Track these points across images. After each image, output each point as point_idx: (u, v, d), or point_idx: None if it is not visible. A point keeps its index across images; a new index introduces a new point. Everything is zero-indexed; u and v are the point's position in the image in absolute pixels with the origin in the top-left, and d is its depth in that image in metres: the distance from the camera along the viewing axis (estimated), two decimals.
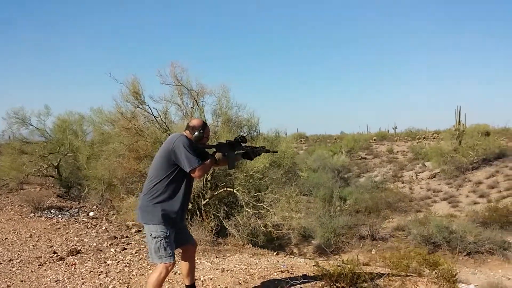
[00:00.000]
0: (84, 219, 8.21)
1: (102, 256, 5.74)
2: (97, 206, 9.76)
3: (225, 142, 3.69)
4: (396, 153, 30.65)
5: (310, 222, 11.80)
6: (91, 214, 8.75)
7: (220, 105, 8.37)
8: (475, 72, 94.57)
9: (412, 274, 4.72)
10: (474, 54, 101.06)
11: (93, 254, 5.80)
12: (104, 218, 8.41)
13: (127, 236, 6.88)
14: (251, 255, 5.80)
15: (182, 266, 3.72)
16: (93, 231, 7.19)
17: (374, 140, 35.94)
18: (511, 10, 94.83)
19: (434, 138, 35.73)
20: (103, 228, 7.43)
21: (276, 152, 4.26)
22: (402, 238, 15.62)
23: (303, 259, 5.90)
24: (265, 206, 7.27)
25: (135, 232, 7.20)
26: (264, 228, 7.24)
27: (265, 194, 7.49)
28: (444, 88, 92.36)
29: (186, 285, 3.78)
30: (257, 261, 5.34)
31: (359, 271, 4.04)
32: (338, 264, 4.41)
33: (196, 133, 3.50)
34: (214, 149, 3.65)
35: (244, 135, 3.80)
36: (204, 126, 3.57)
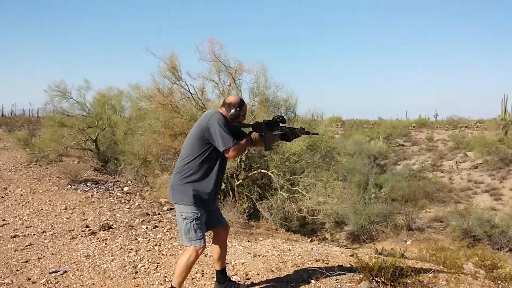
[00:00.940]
0: (118, 194, 8.25)
1: (133, 232, 5.70)
2: (131, 182, 9.81)
3: (262, 121, 3.44)
4: (436, 141, 29.51)
5: (344, 208, 11.45)
6: (125, 189, 8.79)
7: (258, 83, 8.11)
8: None
9: (463, 273, 4.36)
10: None
11: (125, 230, 5.77)
12: (137, 193, 8.43)
13: (159, 214, 6.83)
14: (284, 241, 5.59)
15: (213, 250, 3.55)
16: (126, 207, 7.20)
17: (413, 127, 34.79)
18: None
19: (477, 127, 34.23)
20: (136, 204, 7.42)
21: (316, 134, 3.98)
22: (439, 229, 15.11)
23: (338, 248, 5.65)
24: (300, 190, 7.03)
25: (167, 209, 7.16)
26: (298, 213, 7.01)
27: (300, 177, 7.23)
28: (489, 76, 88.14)
29: (216, 270, 3.62)
30: (291, 247, 5.14)
31: (401, 265, 3.75)
32: (378, 256, 4.13)
33: (233, 110, 3.27)
34: (250, 129, 3.43)
35: (283, 115, 3.51)
36: (241, 103, 3.34)
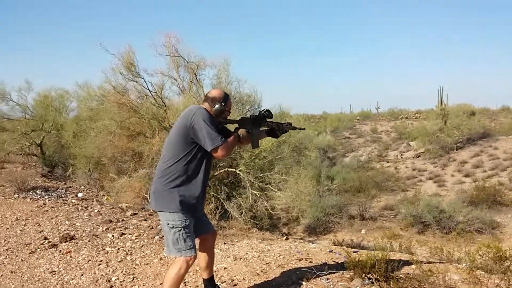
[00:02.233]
0: (73, 201, 7.67)
1: (99, 242, 5.28)
2: (85, 187, 9.21)
3: (249, 117, 3.23)
4: (380, 132, 30.72)
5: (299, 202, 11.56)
6: (80, 195, 8.21)
7: (219, 79, 7.83)
8: (455, 53, 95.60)
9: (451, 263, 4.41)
10: (453, 35, 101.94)
11: (89, 240, 5.33)
12: (94, 199, 7.90)
13: (123, 220, 6.40)
14: (261, 240, 5.44)
15: (199, 258, 3.27)
16: (85, 214, 6.69)
17: (358, 119, 35.95)
18: None
19: (416, 118, 35.97)
20: (96, 211, 6.93)
21: (303, 129, 3.84)
22: (391, 217, 15.67)
23: (315, 244, 5.60)
24: (272, 188, 6.88)
25: (131, 215, 6.74)
26: (272, 211, 6.87)
27: (271, 174, 7.09)
28: (424, 68, 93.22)
29: (204, 279, 3.38)
30: (269, 247, 4.99)
31: (393, 258, 3.71)
32: (369, 252, 4.07)
33: (217, 105, 3.02)
34: (236, 125, 3.21)
35: (269, 110, 3.32)
36: (226, 97, 3.09)
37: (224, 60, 7.89)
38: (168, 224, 2.95)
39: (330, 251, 4.91)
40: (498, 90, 78.35)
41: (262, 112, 3.23)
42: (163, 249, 4.95)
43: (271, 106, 8.79)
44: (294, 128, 3.53)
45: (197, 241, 3.10)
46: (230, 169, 7.14)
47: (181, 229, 2.94)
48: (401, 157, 23.88)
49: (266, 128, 3.31)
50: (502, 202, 14.93)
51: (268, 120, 3.26)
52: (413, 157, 23.52)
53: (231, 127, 3.25)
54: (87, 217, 6.54)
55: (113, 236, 5.52)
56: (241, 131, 3.16)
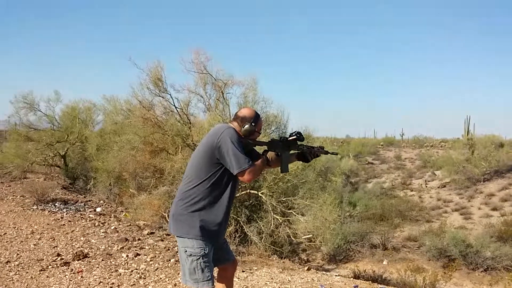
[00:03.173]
0: (91, 215, 7.56)
1: (113, 262, 5.10)
2: (104, 201, 9.10)
3: (279, 139, 3.02)
4: (404, 159, 30.04)
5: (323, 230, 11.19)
6: (98, 210, 8.09)
7: (246, 98, 7.68)
8: (481, 83, 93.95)
9: None
10: (480, 65, 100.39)
11: (102, 260, 5.15)
12: (112, 215, 7.76)
13: (139, 239, 6.22)
14: (281, 270, 5.16)
15: None
16: (101, 231, 6.54)
17: (382, 145, 35.35)
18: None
19: (441, 146, 35.19)
20: (112, 228, 6.77)
21: (336, 154, 3.60)
22: (414, 249, 15.07)
23: (339, 277, 5.27)
24: (295, 213, 6.61)
25: (147, 234, 6.56)
26: (294, 238, 6.58)
27: (294, 199, 6.82)
28: (451, 97, 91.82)
29: None
30: (289, 278, 4.72)
31: None
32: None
33: (247, 125, 2.81)
34: (265, 147, 3.00)
35: (300, 132, 3.09)
36: (256, 117, 2.88)
37: (252, 79, 7.76)
38: (186, 251, 2.74)
39: (355, 287, 4.60)
40: None
41: (293, 134, 3.03)
42: (178, 273, 4.73)
43: (297, 127, 8.55)
44: (327, 153, 3.29)
45: (215, 270, 2.88)
46: (252, 191, 6.91)
47: (199, 258, 2.72)
48: (426, 186, 23.20)
49: (296, 151, 3.10)
50: None
51: (299, 143, 3.05)
52: (438, 187, 22.82)
53: (260, 149, 3.04)
54: (103, 233, 6.39)
55: (127, 256, 5.33)
56: (270, 154, 2.95)
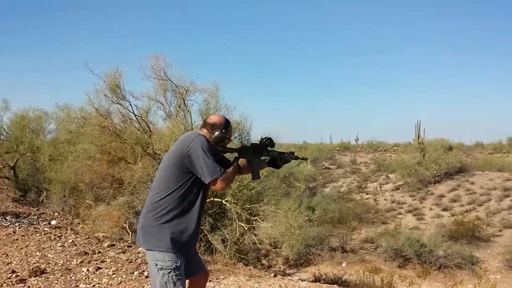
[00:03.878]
0: (45, 229, 7.17)
1: (73, 277, 4.86)
2: (59, 213, 8.68)
3: (250, 145, 3.00)
4: (359, 164, 30.91)
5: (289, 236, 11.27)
6: (53, 222, 7.70)
7: (208, 105, 7.59)
8: (431, 88, 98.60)
9: None
10: (429, 71, 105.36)
11: (61, 275, 4.89)
12: (69, 228, 7.40)
13: (99, 252, 5.97)
14: (248, 278, 5.13)
15: None
16: (58, 244, 6.22)
17: (337, 150, 36.20)
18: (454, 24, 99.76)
19: (393, 150, 36.52)
20: (70, 241, 6.46)
21: (306, 159, 3.61)
22: (371, 250, 15.47)
23: (305, 282, 5.30)
24: (260, 220, 6.59)
25: (108, 246, 6.31)
26: (260, 245, 6.56)
27: (259, 206, 6.80)
28: (402, 102, 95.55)
29: None
30: (257, 286, 4.70)
31: None
32: None
33: (217, 132, 2.76)
34: (235, 154, 2.96)
35: (271, 138, 3.08)
36: (227, 124, 2.84)
37: (214, 85, 7.70)
38: (157, 265, 2.64)
39: None
40: (472, 126, 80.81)
41: (264, 140, 2.99)
42: (144, 286, 4.59)
43: (260, 134, 8.55)
44: (297, 158, 3.29)
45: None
46: (216, 199, 6.83)
47: (171, 271, 2.63)
48: (381, 189, 23.95)
49: (267, 157, 3.08)
50: (480, 237, 14.95)
51: (269, 149, 3.03)
52: (392, 190, 23.62)
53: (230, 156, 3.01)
54: (60, 247, 6.08)
55: (88, 270, 5.10)
56: (242, 161, 2.90)
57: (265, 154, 3.02)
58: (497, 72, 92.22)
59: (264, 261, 12.75)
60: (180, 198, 2.67)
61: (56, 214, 8.63)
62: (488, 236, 14.98)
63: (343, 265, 13.93)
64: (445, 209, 18.98)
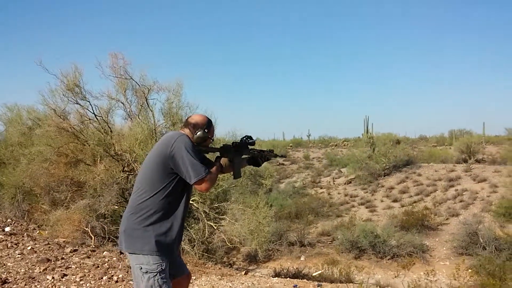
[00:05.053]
0: (0, 236, 6.78)
1: (38, 286, 4.65)
2: (12, 219, 8.20)
3: (231, 144, 3.01)
4: (312, 159, 31.55)
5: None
6: (7, 229, 7.24)
7: (170, 104, 7.45)
8: (377, 83, 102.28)
9: None
10: (376, 68, 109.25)
11: (25, 284, 4.67)
12: (25, 234, 7.03)
13: (62, 258, 5.73)
14: (220, 277, 5.13)
15: None
16: (17, 252, 5.90)
17: (291, 146, 36.74)
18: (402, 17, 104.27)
19: (344, 145, 37.64)
20: (29, 248, 6.14)
21: (285, 156, 3.68)
22: (328, 243, 15.91)
23: (276, 278, 5.39)
24: (229, 218, 6.58)
25: (70, 251, 6.06)
26: (230, 244, 6.55)
27: (228, 205, 6.79)
28: (350, 98, 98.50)
29: None
30: (230, 285, 4.72)
31: None
32: None
33: (199, 132, 2.76)
34: (217, 153, 2.97)
35: (251, 136, 3.14)
36: (209, 123, 2.85)
37: (177, 84, 7.57)
38: (141, 269, 2.61)
39: (294, 286, 4.74)
40: (415, 120, 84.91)
41: (244, 138, 3.03)
42: None
43: (225, 132, 8.52)
44: (276, 156, 3.36)
45: None
46: None
47: (156, 274, 2.61)
48: (334, 183, 24.59)
49: (247, 156, 3.11)
50: (429, 226, 15.77)
51: (250, 147, 3.07)
52: (345, 183, 24.33)
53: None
54: (19, 255, 5.77)
55: (53, 278, 4.90)
56: (224, 160, 2.92)
57: (245, 153, 3.06)
58: (438, 67, 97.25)
59: (225, 259, 12.77)
60: (164, 200, 2.65)
61: (9, 220, 8.14)
62: (436, 224, 15.83)
63: (301, 259, 14.25)
64: (395, 201, 19.82)
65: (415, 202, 19.00)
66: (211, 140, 2.92)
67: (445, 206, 17.88)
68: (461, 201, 17.69)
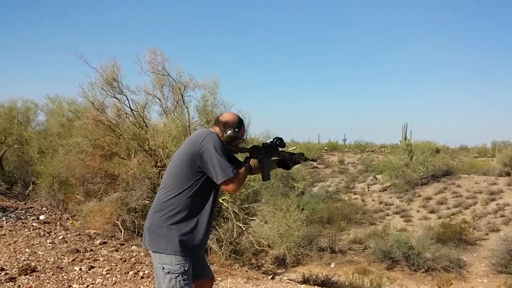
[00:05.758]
0: (34, 224, 6.93)
1: (65, 276, 4.67)
2: (47, 208, 8.42)
3: (261, 145, 2.89)
4: (347, 164, 31.01)
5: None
6: (41, 217, 7.44)
7: (205, 102, 7.41)
8: (417, 91, 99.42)
9: None
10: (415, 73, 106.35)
11: (53, 274, 4.70)
12: (58, 223, 7.17)
13: (91, 250, 5.78)
14: (245, 280, 5.00)
15: None
16: (48, 241, 6.00)
17: (325, 150, 36.28)
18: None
19: (380, 152, 36.81)
20: (60, 237, 6.24)
21: (315, 161, 3.54)
22: (359, 251, 15.51)
23: (304, 285, 5.21)
24: (258, 220, 6.46)
25: (100, 244, 6.11)
26: (259, 246, 6.44)
27: (257, 206, 6.67)
28: (388, 103, 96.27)
29: None
30: None
31: None
32: None
33: (230, 131, 2.64)
34: (246, 154, 2.85)
35: (281, 138, 2.99)
36: (240, 122, 2.73)
37: (213, 81, 7.51)
38: (164, 269, 2.51)
39: None
40: (457, 129, 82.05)
41: (274, 140, 2.90)
42: (139, 287, 4.44)
43: (259, 132, 8.40)
44: (306, 159, 3.22)
45: None
46: None
47: (178, 275, 2.51)
48: (368, 190, 24.05)
49: (277, 158, 2.98)
50: (467, 240, 15.12)
51: (280, 149, 2.94)
52: (380, 190, 23.74)
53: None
54: (50, 244, 5.87)
55: (80, 269, 4.92)
56: (253, 162, 2.79)
57: (275, 155, 2.94)
58: (481, 76, 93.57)
59: (253, 261, 12.67)
60: (190, 199, 2.54)
61: (44, 208, 8.37)
62: (474, 239, 15.15)
63: (332, 265, 13.95)
64: (432, 212, 19.13)
65: (453, 214, 18.28)
66: (241, 140, 2.80)
67: (485, 220, 17.11)
68: (502, 216, 16.87)
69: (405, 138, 29.19)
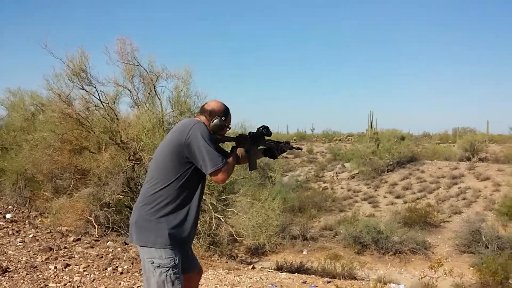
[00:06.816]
0: (1, 223, 6.61)
1: (40, 276, 4.50)
2: (13, 206, 8.05)
3: (247, 134, 2.85)
4: (315, 153, 31.39)
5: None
6: (8, 216, 7.10)
7: (178, 92, 7.24)
8: (382, 79, 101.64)
9: None
10: (380, 62, 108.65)
11: (27, 274, 4.52)
12: (26, 221, 6.88)
13: (65, 247, 5.58)
14: (227, 271, 4.99)
15: None
16: (18, 240, 5.75)
17: (294, 140, 36.58)
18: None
19: (348, 140, 37.48)
20: (31, 236, 5.99)
21: (301, 149, 3.52)
22: (330, 237, 15.82)
23: (285, 274, 5.25)
24: (236, 211, 6.42)
25: (73, 241, 5.91)
26: (238, 237, 6.41)
27: (236, 197, 6.63)
28: (354, 93, 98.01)
29: None
30: (238, 279, 4.58)
31: None
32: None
33: (216, 120, 2.58)
34: (233, 143, 2.81)
35: (268, 126, 2.96)
36: (226, 111, 2.68)
37: (186, 71, 7.33)
38: (153, 263, 2.44)
39: (303, 282, 4.61)
40: (419, 117, 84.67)
41: (261, 129, 2.85)
42: (120, 283, 4.34)
43: (233, 123, 8.29)
44: (292, 148, 3.20)
45: None
46: None
47: (169, 269, 2.44)
48: (337, 178, 24.46)
49: (263, 147, 2.95)
50: (432, 223, 15.69)
51: (266, 138, 2.90)
52: (348, 178, 24.20)
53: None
54: (20, 243, 5.63)
55: (56, 268, 4.75)
56: (240, 151, 2.75)
57: (262, 144, 2.90)
58: (443, 64, 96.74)
59: (226, 251, 12.66)
60: (178, 190, 2.48)
61: (10, 207, 8.00)
62: (438, 222, 15.76)
63: (304, 252, 14.18)
64: (398, 197, 19.72)
65: (418, 198, 18.92)
66: (228, 129, 2.75)
67: (448, 203, 17.79)
68: (464, 199, 17.61)
69: (371, 126, 29.86)
